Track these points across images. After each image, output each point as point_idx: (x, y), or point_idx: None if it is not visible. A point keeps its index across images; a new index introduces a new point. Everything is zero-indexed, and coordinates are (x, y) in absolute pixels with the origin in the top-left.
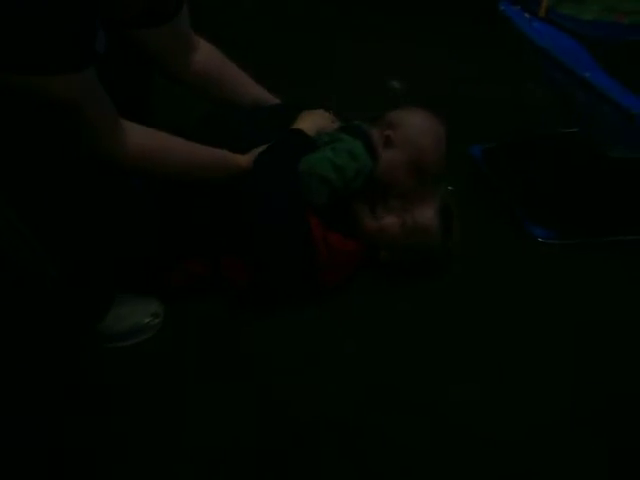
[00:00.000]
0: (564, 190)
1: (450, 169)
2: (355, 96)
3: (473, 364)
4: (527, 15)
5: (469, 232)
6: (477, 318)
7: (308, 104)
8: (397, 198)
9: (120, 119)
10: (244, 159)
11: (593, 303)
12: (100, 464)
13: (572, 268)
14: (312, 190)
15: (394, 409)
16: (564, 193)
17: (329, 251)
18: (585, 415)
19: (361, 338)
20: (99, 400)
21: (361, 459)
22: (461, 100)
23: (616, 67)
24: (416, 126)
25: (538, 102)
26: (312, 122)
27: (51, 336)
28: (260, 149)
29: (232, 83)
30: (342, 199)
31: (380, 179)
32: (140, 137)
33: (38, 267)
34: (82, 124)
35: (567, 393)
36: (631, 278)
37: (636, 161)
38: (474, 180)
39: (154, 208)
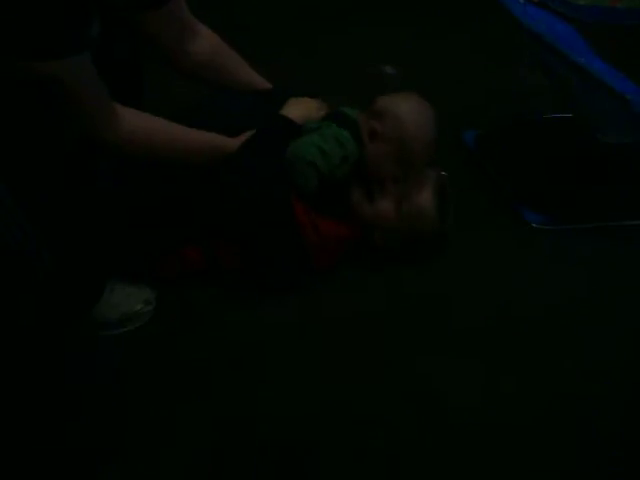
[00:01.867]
0: (558, 176)
1: (443, 155)
2: (345, 81)
3: (467, 349)
4: (522, 0)
5: (463, 218)
6: (470, 304)
7: (298, 89)
8: (393, 182)
9: (114, 104)
10: (234, 142)
11: (587, 288)
12: (94, 458)
13: (566, 254)
14: (299, 174)
15: (385, 400)
16: (558, 179)
17: (320, 237)
18: (579, 403)
19: (353, 327)
20: (91, 389)
21: (358, 450)
22: (454, 86)
23: (610, 51)
24: (402, 117)
25: (531, 88)
26: (299, 110)
27: (43, 324)
28: (248, 133)
29: (232, 71)
30: (331, 185)
31: (369, 169)
32: (134, 121)
33: (31, 251)
34: (76, 108)
35: (561, 379)
36: (626, 263)
37: (631, 146)
38: (467, 166)
39: (146, 195)
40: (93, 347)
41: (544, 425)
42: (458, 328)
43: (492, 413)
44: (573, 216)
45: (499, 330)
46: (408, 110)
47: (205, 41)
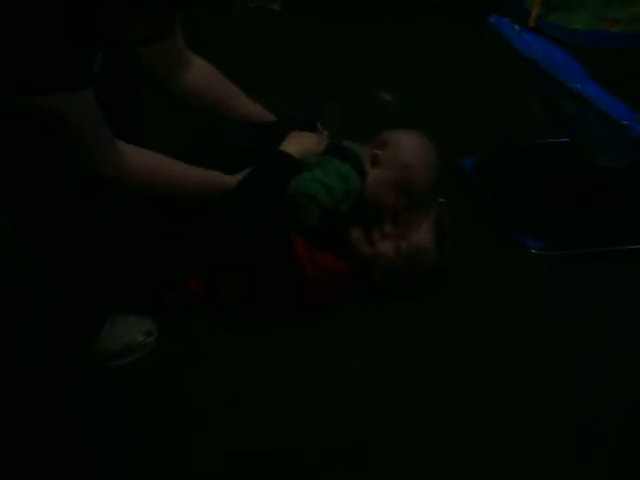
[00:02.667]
0: (556, 201)
1: (442, 181)
2: (345, 110)
3: (466, 377)
4: (517, 27)
5: (461, 245)
6: (470, 332)
7: (298, 122)
8: (391, 223)
9: (116, 140)
10: (232, 180)
11: (586, 314)
12: None
13: (565, 279)
14: (302, 209)
15: (386, 429)
16: (556, 204)
17: (317, 271)
18: (574, 428)
19: (352, 357)
20: (92, 420)
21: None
22: (452, 112)
23: (606, 75)
24: (405, 145)
25: (529, 113)
26: (298, 145)
27: (44, 355)
28: (247, 171)
29: (227, 102)
30: (333, 221)
31: (368, 199)
32: (136, 158)
33: (32, 282)
34: (76, 142)
35: (557, 406)
36: (624, 288)
37: (627, 171)
38: (466, 192)
39: (149, 227)
40: (95, 378)
41: (541, 452)
42: (457, 357)
43: (491, 441)
44: (572, 241)
45: (498, 358)
46: (411, 142)
47: (199, 72)
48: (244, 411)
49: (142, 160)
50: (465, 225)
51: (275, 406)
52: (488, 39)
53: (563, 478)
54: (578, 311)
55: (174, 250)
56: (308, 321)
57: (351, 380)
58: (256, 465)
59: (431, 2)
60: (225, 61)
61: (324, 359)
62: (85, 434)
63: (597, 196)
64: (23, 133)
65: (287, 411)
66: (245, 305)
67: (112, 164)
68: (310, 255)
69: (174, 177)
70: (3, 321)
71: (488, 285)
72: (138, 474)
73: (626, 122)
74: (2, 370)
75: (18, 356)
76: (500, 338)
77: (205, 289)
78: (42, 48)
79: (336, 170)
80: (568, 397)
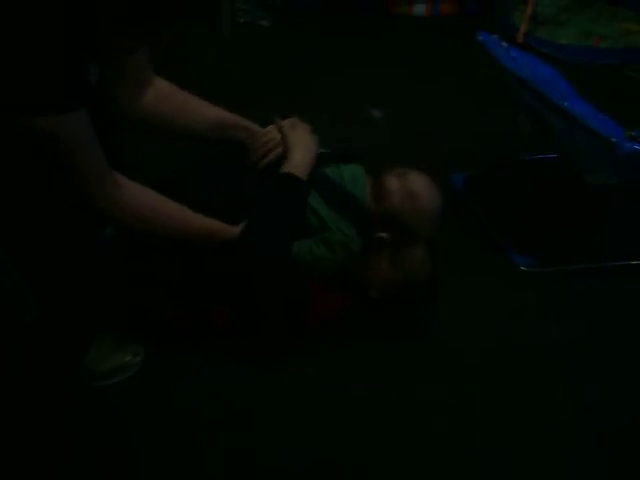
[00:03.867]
0: (545, 217)
1: None
2: (335, 125)
3: (458, 395)
4: (505, 44)
5: (452, 262)
6: (461, 348)
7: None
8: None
9: (114, 173)
10: (232, 230)
11: (576, 330)
12: None
13: (555, 296)
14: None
15: (369, 454)
16: (545, 220)
17: (320, 309)
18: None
19: (341, 383)
20: (81, 440)
21: None
22: (442, 128)
23: (593, 91)
24: (416, 192)
25: (518, 130)
26: (305, 156)
27: (31, 376)
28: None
29: (186, 109)
30: None
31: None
32: (133, 195)
33: (19, 301)
34: (73, 172)
35: (553, 421)
36: (614, 303)
37: (616, 187)
38: (456, 208)
39: (142, 260)
40: (83, 398)
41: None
42: (452, 374)
43: (487, 460)
44: (562, 258)
45: (491, 375)
46: (421, 186)
47: (157, 90)
48: (235, 431)
49: (140, 197)
50: (455, 242)
51: (269, 426)
52: (477, 55)
53: None
54: (568, 328)
55: (162, 279)
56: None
57: (347, 401)
58: None
59: (421, 18)
60: (214, 76)
61: (320, 375)
62: (72, 454)
63: (586, 212)
64: (15, 157)
65: (282, 431)
66: (239, 335)
67: (106, 196)
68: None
69: (172, 221)
70: None
71: (478, 302)
72: None
73: (614, 139)
74: None
75: (3, 375)
76: (491, 355)
77: (195, 320)
78: (37, 68)
79: (340, 243)
80: (563, 414)
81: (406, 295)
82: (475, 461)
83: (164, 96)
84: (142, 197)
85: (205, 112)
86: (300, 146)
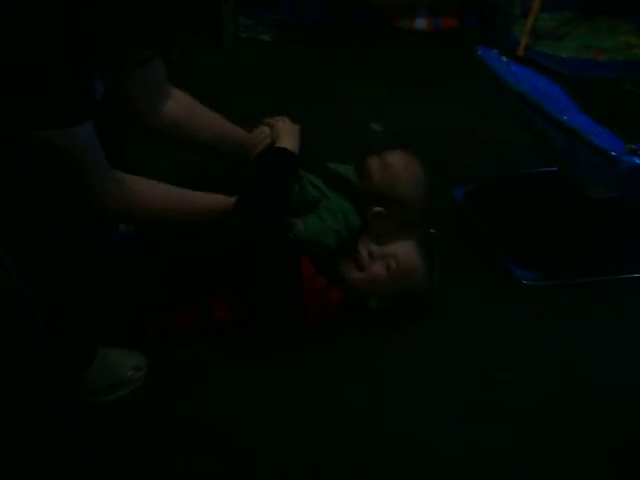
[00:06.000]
0: (547, 231)
1: (433, 212)
2: (335, 139)
3: (460, 407)
4: (505, 58)
5: (453, 276)
6: (462, 362)
7: None
8: (376, 242)
9: (113, 170)
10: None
11: (579, 343)
12: None
13: (557, 309)
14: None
15: (367, 457)
16: (547, 234)
17: (314, 293)
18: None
19: (343, 387)
20: (81, 455)
21: None
22: (442, 142)
23: (594, 104)
24: (391, 163)
25: (519, 143)
26: (294, 140)
27: (35, 389)
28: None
29: (203, 120)
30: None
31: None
32: (134, 188)
33: (24, 311)
34: (76, 176)
35: (555, 432)
36: (616, 317)
37: (617, 200)
38: (456, 223)
39: (140, 259)
40: (84, 412)
41: None
42: (452, 386)
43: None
44: (563, 271)
45: (491, 389)
46: (397, 158)
47: (175, 101)
48: (237, 444)
49: (144, 189)
50: (456, 256)
51: (269, 437)
52: (477, 69)
53: None
54: (571, 341)
55: (166, 279)
56: (301, 349)
57: (344, 410)
58: None
59: (422, 32)
60: (216, 90)
61: (319, 388)
62: (72, 468)
63: (587, 226)
64: (23, 167)
65: (282, 442)
66: (238, 332)
67: (111, 194)
68: (312, 276)
69: (179, 204)
70: None
71: (478, 315)
72: None
73: (614, 153)
74: None
75: (8, 388)
76: (491, 367)
77: (199, 317)
78: (42, 82)
79: (342, 212)
80: (568, 428)
81: (404, 302)
82: (474, 464)
83: (183, 108)
84: (146, 188)
85: (222, 126)
86: (288, 133)
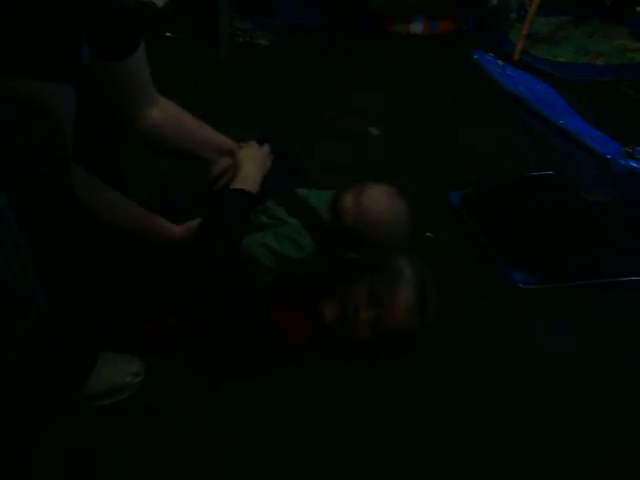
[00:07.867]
0: (543, 234)
1: (429, 216)
2: (333, 143)
3: (456, 414)
4: (500, 62)
5: (449, 279)
6: (459, 366)
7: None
8: (367, 306)
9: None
10: (178, 230)
11: (576, 346)
12: None
13: (553, 312)
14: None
15: (364, 463)
16: (543, 237)
17: (288, 330)
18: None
19: (339, 399)
20: (75, 460)
21: None
22: (439, 145)
23: (590, 107)
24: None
25: (516, 146)
26: (256, 167)
27: (33, 394)
28: (196, 221)
29: (190, 130)
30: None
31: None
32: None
33: (27, 292)
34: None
35: (555, 441)
36: (613, 320)
37: (613, 204)
38: (453, 226)
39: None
40: (81, 417)
41: None
42: (451, 390)
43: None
44: (560, 274)
45: (490, 390)
46: (374, 200)
47: (160, 108)
48: (235, 448)
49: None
50: (452, 259)
51: (263, 446)
52: (474, 73)
53: None
54: (568, 344)
55: (150, 285)
56: (301, 355)
57: (346, 422)
58: None
59: (418, 36)
60: (213, 95)
61: (319, 389)
62: (71, 471)
63: (584, 229)
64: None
65: (276, 451)
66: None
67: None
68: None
69: (115, 210)
70: None
71: (476, 319)
72: None
73: (610, 156)
74: None
75: (7, 388)
76: (490, 372)
77: (182, 325)
78: (31, 31)
79: (288, 236)
80: (569, 435)
81: (397, 339)
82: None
83: (169, 116)
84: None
85: (208, 135)
86: (248, 162)
